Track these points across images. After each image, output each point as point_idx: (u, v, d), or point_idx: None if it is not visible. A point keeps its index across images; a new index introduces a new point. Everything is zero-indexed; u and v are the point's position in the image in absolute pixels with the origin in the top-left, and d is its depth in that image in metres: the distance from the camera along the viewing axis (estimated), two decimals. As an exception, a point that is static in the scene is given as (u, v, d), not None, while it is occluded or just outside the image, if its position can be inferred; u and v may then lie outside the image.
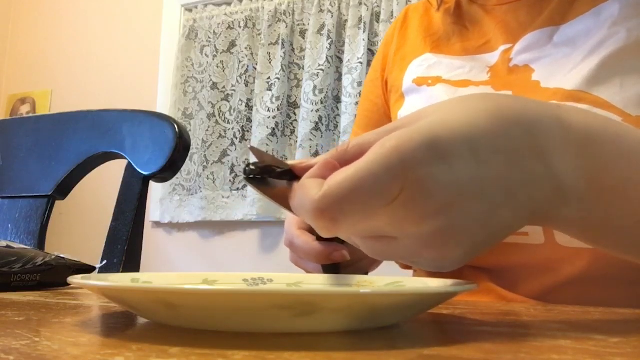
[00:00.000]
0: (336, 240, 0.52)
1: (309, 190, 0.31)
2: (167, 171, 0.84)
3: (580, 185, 0.34)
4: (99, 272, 0.62)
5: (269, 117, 2.29)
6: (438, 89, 0.64)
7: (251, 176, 0.36)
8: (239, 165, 2.41)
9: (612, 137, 0.36)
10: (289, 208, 0.36)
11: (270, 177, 0.36)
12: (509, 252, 0.54)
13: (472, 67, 0.64)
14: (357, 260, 0.56)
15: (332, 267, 0.53)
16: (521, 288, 0.55)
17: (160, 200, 2.47)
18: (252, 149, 0.38)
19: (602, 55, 0.54)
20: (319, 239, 0.53)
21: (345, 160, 0.33)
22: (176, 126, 0.84)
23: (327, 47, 2.25)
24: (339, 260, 0.52)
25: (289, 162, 0.37)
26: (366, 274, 0.64)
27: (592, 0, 0.59)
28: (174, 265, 2.47)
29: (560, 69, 0.57)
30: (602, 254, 0.50)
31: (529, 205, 0.34)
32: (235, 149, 2.40)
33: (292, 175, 0.36)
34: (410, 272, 0.68)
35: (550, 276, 0.54)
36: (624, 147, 0.36)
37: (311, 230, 0.55)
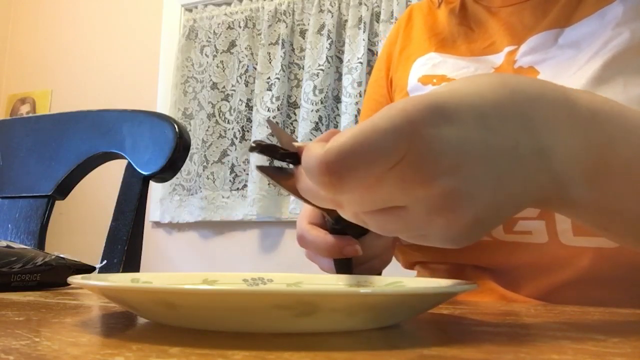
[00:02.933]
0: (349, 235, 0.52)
1: (313, 149, 0.31)
2: (167, 171, 0.84)
3: (588, 160, 0.34)
4: (99, 272, 0.62)
5: (269, 117, 2.29)
6: None
7: (258, 165, 0.37)
8: (239, 165, 2.41)
9: (617, 115, 0.37)
10: (293, 191, 0.36)
11: (274, 157, 0.36)
12: (512, 251, 0.54)
13: (477, 68, 0.64)
14: (369, 258, 0.55)
15: (344, 264, 0.52)
16: (524, 287, 0.55)
17: (160, 200, 2.47)
18: (269, 122, 0.38)
19: (606, 56, 0.54)
20: (332, 229, 0.52)
21: None
22: (176, 126, 0.84)
23: (327, 47, 2.25)
24: (352, 254, 0.51)
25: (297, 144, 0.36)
26: (379, 274, 0.63)
27: (597, 2, 0.59)
28: (174, 265, 2.47)
29: (565, 70, 0.57)
30: (606, 254, 0.50)
31: (538, 177, 0.33)
32: (235, 149, 2.40)
33: (297, 159, 0.35)
34: (411, 272, 0.68)
35: (553, 275, 0.54)
36: (628, 125, 0.36)
37: (322, 225, 0.54)
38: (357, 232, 0.51)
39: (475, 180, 0.31)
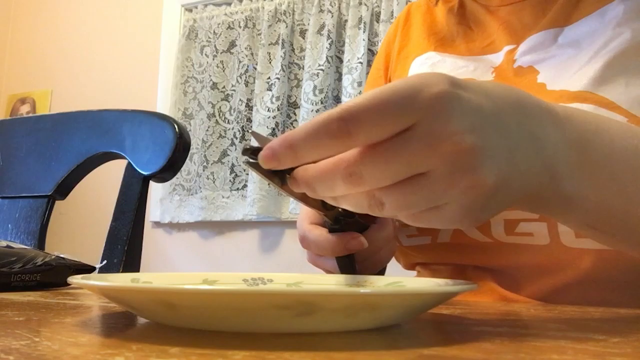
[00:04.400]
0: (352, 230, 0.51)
1: (322, 114, 0.31)
2: (167, 171, 0.84)
3: (571, 152, 0.37)
4: (99, 272, 0.62)
5: (269, 117, 2.29)
6: None
7: (250, 160, 0.35)
8: (239, 165, 2.41)
9: (589, 119, 0.40)
10: (288, 192, 0.36)
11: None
12: (514, 252, 0.54)
13: (477, 67, 0.63)
14: (372, 252, 0.54)
15: (347, 262, 0.51)
16: (525, 288, 0.55)
17: (160, 200, 2.47)
18: (254, 133, 0.38)
19: (607, 56, 0.54)
20: (331, 230, 0.51)
21: None
22: (176, 126, 0.84)
23: (327, 47, 2.25)
24: (357, 247, 0.49)
25: None
26: (384, 270, 0.63)
27: (597, 1, 0.59)
28: (174, 265, 2.47)
29: (565, 70, 0.57)
30: (606, 256, 0.50)
31: (535, 162, 0.35)
32: (235, 149, 2.40)
33: None
34: (411, 272, 0.68)
35: (554, 277, 0.53)
36: (599, 126, 0.40)
37: (323, 225, 0.53)
38: (357, 229, 0.50)
39: (495, 145, 0.32)
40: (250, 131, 0.46)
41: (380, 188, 0.32)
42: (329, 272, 0.55)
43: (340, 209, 0.47)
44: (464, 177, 0.31)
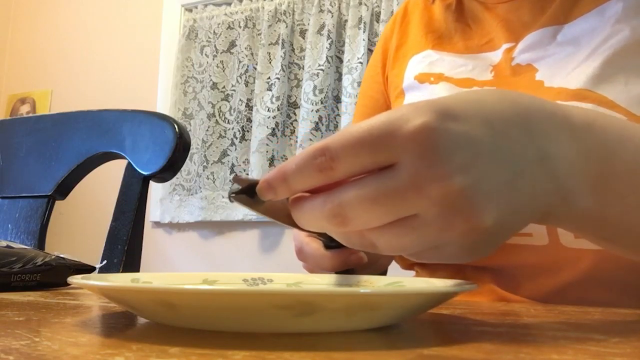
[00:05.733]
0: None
1: (311, 146, 0.30)
2: (167, 171, 0.84)
3: (589, 168, 0.34)
4: (99, 272, 0.62)
5: (269, 117, 2.29)
6: (440, 88, 0.63)
7: (236, 195, 0.35)
8: (239, 165, 2.41)
9: (610, 125, 0.37)
10: (284, 220, 0.35)
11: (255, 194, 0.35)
12: (513, 252, 0.54)
13: (475, 66, 0.63)
14: (372, 262, 0.54)
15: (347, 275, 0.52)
16: (524, 289, 0.55)
17: (160, 200, 2.47)
18: (236, 179, 0.35)
19: (606, 54, 0.54)
20: (327, 247, 0.50)
21: None
22: (176, 126, 0.84)
23: (327, 47, 2.25)
24: (357, 263, 0.49)
25: None
26: (386, 271, 0.62)
27: None
28: (174, 265, 2.47)
29: (563, 68, 0.56)
30: (606, 256, 0.50)
31: (544, 185, 0.32)
32: (235, 149, 2.40)
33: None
34: (411, 272, 0.68)
35: (553, 277, 0.53)
36: (623, 134, 0.37)
37: (319, 237, 0.52)
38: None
39: (491, 180, 0.30)
40: (232, 178, 0.44)
41: (370, 229, 0.31)
42: None
43: None
44: (458, 220, 0.29)
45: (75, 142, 0.92)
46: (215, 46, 2.51)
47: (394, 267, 0.73)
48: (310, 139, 2.19)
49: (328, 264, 0.50)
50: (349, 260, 0.49)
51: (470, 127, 0.30)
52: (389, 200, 0.29)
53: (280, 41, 2.35)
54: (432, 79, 0.65)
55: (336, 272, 0.51)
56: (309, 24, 2.32)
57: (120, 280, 0.38)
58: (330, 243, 0.49)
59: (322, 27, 2.29)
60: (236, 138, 2.40)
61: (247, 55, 2.44)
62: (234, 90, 2.45)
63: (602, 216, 0.36)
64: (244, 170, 2.39)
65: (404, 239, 0.31)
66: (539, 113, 0.34)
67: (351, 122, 2.11)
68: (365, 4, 2.22)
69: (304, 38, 2.37)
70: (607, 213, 0.36)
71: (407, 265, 0.67)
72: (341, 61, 2.26)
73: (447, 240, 0.31)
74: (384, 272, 0.62)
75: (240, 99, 2.41)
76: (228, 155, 2.42)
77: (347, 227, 0.31)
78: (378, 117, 0.30)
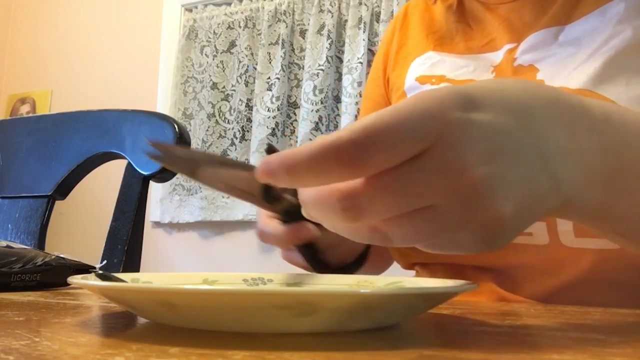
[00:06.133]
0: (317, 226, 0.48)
1: (324, 138, 0.27)
2: (167, 171, 0.84)
3: (605, 163, 0.34)
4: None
5: (269, 117, 2.29)
6: None
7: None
8: (239, 165, 2.40)
9: (629, 118, 0.37)
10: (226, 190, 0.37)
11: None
12: (513, 252, 0.54)
13: (476, 67, 0.63)
14: (332, 244, 0.53)
15: (309, 252, 0.50)
16: (524, 289, 0.55)
17: (160, 200, 2.47)
18: (153, 144, 0.34)
19: (607, 54, 0.54)
20: (284, 222, 0.49)
21: None
22: (176, 126, 0.84)
23: (327, 47, 2.25)
24: (308, 235, 0.47)
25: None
26: (358, 263, 0.61)
27: None
28: (174, 265, 2.47)
29: (564, 68, 0.56)
30: (607, 256, 0.50)
31: (560, 178, 0.32)
32: (235, 149, 2.40)
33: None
34: (411, 272, 0.68)
35: (554, 277, 0.53)
36: (638, 128, 0.37)
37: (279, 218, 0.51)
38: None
39: (513, 169, 0.30)
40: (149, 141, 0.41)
41: (384, 220, 0.29)
42: (302, 267, 0.55)
43: (287, 199, 0.43)
44: (478, 211, 0.29)
45: (75, 142, 0.92)
46: (215, 46, 2.51)
47: (394, 267, 0.73)
48: (310, 139, 2.19)
49: (283, 238, 0.49)
50: (300, 234, 0.48)
51: (493, 117, 0.30)
52: (413, 190, 0.28)
53: (280, 41, 2.35)
54: (434, 80, 0.65)
55: (299, 250, 0.50)
56: (309, 24, 2.32)
57: (121, 280, 0.38)
58: (284, 218, 0.48)
59: (322, 27, 2.29)
60: (236, 138, 2.40)
61: (247, 55, 2.44)
62: (234, 90, 2.45)
63: (615, 208, 0.36)
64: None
65: (421, 231, 0.30)
66: (560, 104, 0.34)
67: (352, 123, 2.11)
68: (365, 4, 2.22)
69: (304, 38, 2.37)
70: (621, 206, 0.36)
71: (408, 265, 0.67)
72: (341, 61, 2.26)
73: (464, 230, 0.30)
74: (360, 261, 0.60)
75: (240, 99, 2.41)
76: (228, 155, 2.42)
77: (360, 221, 0.29)
78: (411, 104, 0.28)
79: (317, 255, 0.50)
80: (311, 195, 0.29)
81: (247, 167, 0.39)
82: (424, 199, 0.28)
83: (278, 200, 0.43)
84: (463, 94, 0.29)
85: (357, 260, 0.60)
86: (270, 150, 0.40)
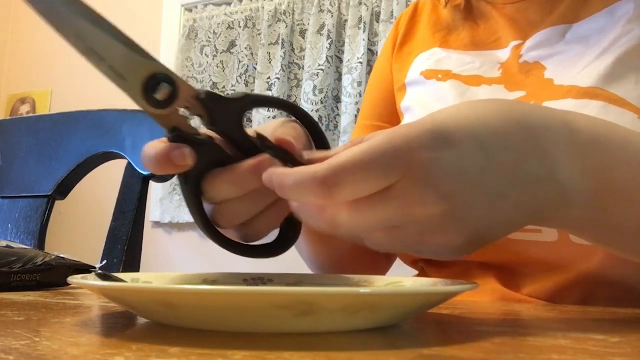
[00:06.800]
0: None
1: (308, 168, 0.32)
2: (167, 171, 0.83)
3: (586, 188, 0.36)
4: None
5: (269, 117, 2.28)
6: (448, 85, 0.63)
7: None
8: (239, 165, 2.41)
9: (619, 142, 0.38)
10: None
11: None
12: (521, 248, 0.54)
13: (483, 63, 0.63)
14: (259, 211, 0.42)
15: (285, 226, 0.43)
16: (531, 286, 0.55)
17: (160, 200, 2.47)
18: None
19: (617, 53, 0.54)
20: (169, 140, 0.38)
21: None
22: (176, 126, 0.84)
23: (327, 47, 2.25)
24: (180, 161, 0.37)
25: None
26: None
27: None
28: (174, 265, 2.46)
29: (573, 66, 0.56)
30: (614, 254, 0.50)
31: (532, 204, 0.35)
32: (235, 149, 2.40)
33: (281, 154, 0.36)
34: (411, 271, 0.68)
35: (561, 274, 0.53)
36: (630, 151, 0.38)
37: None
38: (215, 155, 0.39)
39: (469, 206, 0.33)
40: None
41: (362, 230, 0.34)
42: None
43: (186, 117, 0.37)
44: (433, 237, 0.34)
45: (75, 142, 0.92)
46: (215, 46, 2.51)
47: (394, 267, 0.73)
48: (310, 139, 2.19)
49: (155, 160, 0.37)
50: (172, 157, 0.37)
51: (460, 155, 0.33)
52: (380, 216, 0.33)
53: (280, 41, 2.35)
54: (440, 76, 0.65)
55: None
56: (309, 24, 2.32)
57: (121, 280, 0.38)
58: (170, 134, 0.37)
59: (322, 27, 2.29)
60: (236, 138, 2.40)
61: (247, 55, 2.44)
62: (234, 90, 2.45)
63: (595, 227, 0.38)
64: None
65: (387, 241, 0.34)
66: (543, 131, 0.35)
67: (352, 122, 2.11)
68: (365, 4, 2.22)
69: (304, 38, 2.37)
70: (600, 224, 0.38)
71: (412, 262, 0.66)
72: (341, 61, 2.26)
73: (424, 249, 0.35)
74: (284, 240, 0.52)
75: (240, 99, 2.41)
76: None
77: (335, 231, 0.34)
78: (381, 142, 0.32)
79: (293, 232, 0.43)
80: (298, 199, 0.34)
81: (128, 42, 0.35)
82: (389, 223, 0.33)
83: (165, 107, 0.36)
84: (437, 132, 0.33)
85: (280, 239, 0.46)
86: (259, 137, 0.38)
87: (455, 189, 0.32)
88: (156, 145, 0.38)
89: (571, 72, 0.56)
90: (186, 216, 2.42)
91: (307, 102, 2.23)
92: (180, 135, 0.37)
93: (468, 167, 0.33)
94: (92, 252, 0.91)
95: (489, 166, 0.33)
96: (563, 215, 0.36)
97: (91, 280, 0.33)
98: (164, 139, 0.38)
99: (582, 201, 0.36)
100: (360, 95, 2.12)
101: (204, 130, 0.40)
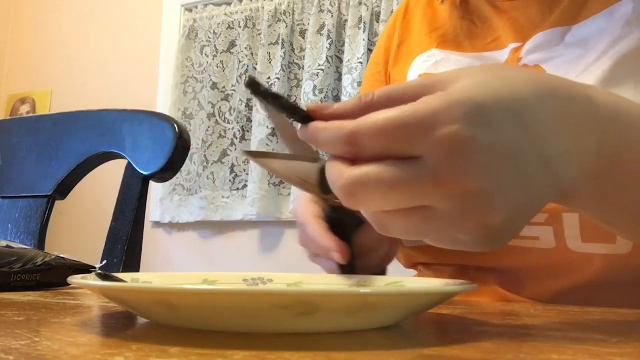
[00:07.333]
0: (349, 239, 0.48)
1: (339, 123, 0.31)
2: (167, 171, 0.84)
3: (601, 162, 0.35)
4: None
5: (269, 117, 2.28)
6: None
7: (256, 90, 0.35)
8: (239, 165, 2.41)
9: (638, 119, 0.38)
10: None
11: (277, 106, 0.35)
12: (519, 255, 0.53)
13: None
14: (370, 249, 0.52)
15: (345, 264, 0.49)
16: (529, 291, 0.54)
17: (160, 200, 2.47)
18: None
19: (615, 57, 0.53)
20: (332, 230, 0.48)
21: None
22: (176, 126, 0.84)
23: (327, 47, 2.25)
24: (336, 259, 0.47)
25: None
26: (384, 271, 0.61)
27: (605, 0, 0.58)
28: (174, 265, 2.47)
29: (572, 69, 0.56)
30: (614, 260, 0.49)
31: (558, 177, 0.34)
32: (235, 149, 2.40)
33: (305, 117, 0.35)
34: (411, 272, 0.68)
35: (560, 280, 0.53)
36: None
37: (322, 214, 0.50)
38: (355, 221, 0.48)
39: (508, 182, 0.31)
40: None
41: (384, 212, 0.32)
42: (327, 271, 0.54)
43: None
44: (471, 218, 0.31)
45: (75, 142, 0.92)
46: (215, 46, 2.51)
47: (394, 267, 0.73)
48: (310, 139, 2.19)
49: (319, 249, 0.48)
50: (330, 255, 0.47)
51: (499, 134, 0.31)
52: (406, 188, 0.30)
53: (280, 41, 2.35)
54: None
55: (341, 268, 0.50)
56: (309, 24, 2.32)
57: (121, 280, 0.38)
58: (331, 214, 0.47)
59: (322, 27, 2.29)
60: (236, 138, 2.40)
61: (247, 55, 2.44)
62: (234, 90, 2.45)
63: (605, 202, 0.37)
64: (244, 171, 2.39)
65: (418, 227, 0.32)
66: (568, 105, 0.35)
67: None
68: (365, 4, 2.22)
69: (304, 38, 2.37)
70: (607, 201, 0.37)
71: (410, 264, 0.66)
72: (341, 61, 2.26)
73: (461, 232, 0.32)
74: (383, 272, 0.61)
75: (240, 99, 2.41)
76: (228, 155, 2.42)
77: (360, 207, 0.32)
78: (410, 109, 0.30)
79: (353, 265, 0.49)
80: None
81: (311, 159, 0.41)
82: (418, 198, 0.30)
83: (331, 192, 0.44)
84: (474, 106, 0.30)
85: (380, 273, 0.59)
86: (252, 82, 0.38)
87: (494, 164, 0.30)
88: (321, 235, 0.47)
89: (570, 76, 0.55)
90: (186, 216, 2.43)
91: (307, 102, 2.22)
92: (337, 216, 0.46)
93: (505, 143, 0.31)
94: (92, 252, 0.91)
95: (524, 140, 0.32)
96: (580, 191, 0.35)
97: (91, 280, 0.33)
98: (323, 223, 0.48)
99: (596, 175, 0.35)
100: (360, 91, 2.12)
101: None
